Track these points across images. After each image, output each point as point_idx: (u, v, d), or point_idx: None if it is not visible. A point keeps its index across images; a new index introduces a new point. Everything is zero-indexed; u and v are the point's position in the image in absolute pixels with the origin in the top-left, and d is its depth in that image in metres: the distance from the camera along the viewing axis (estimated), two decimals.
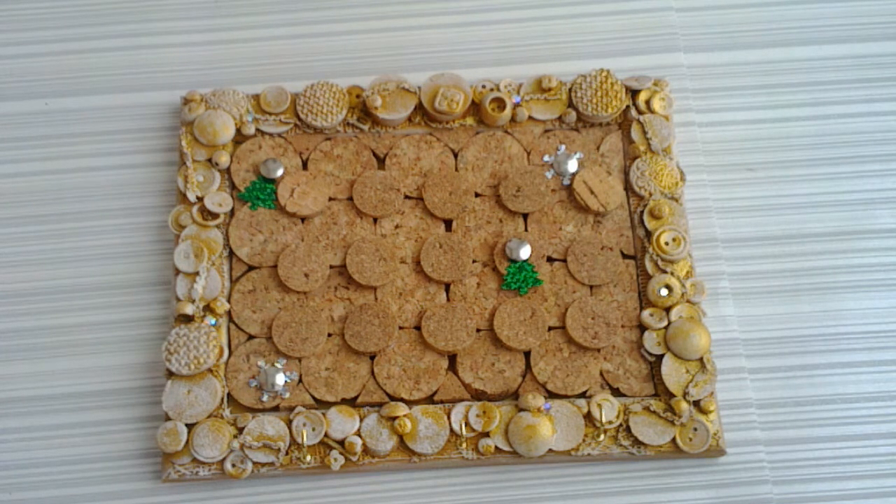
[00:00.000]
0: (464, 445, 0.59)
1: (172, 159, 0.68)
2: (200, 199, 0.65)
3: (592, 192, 0.65)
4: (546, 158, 0.66)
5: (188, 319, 0.62)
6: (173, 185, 0.67)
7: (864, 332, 0.64)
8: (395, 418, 0.59)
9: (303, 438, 0.59)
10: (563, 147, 0.67)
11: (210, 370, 0.61)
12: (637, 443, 0.59)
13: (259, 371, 0.61)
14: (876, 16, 0.73)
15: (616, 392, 0.61)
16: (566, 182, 0.66)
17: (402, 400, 0.61)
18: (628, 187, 0.66)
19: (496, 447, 0.59)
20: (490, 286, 0.63)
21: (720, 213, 0.67)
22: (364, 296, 0.63)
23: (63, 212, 0.67)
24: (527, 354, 0.62)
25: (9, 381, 0.63)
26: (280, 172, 0.65)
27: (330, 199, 0.66)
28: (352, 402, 0.61)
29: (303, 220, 0.65)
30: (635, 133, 0.66)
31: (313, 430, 0.59)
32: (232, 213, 0.66)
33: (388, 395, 0.61)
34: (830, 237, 0.66)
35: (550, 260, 0.64)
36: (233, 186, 0.66)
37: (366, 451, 0.59)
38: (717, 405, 0.60)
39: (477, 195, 0.66)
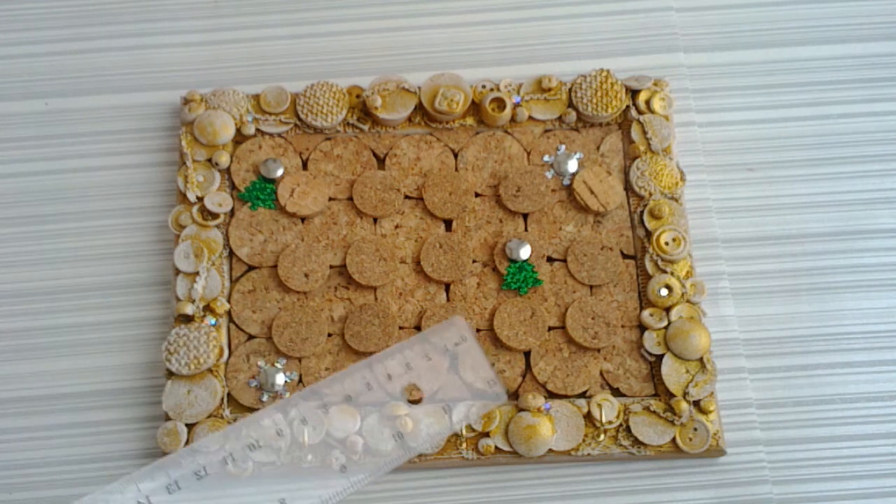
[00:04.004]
0: (464, 445, 0.59)
1: (172, 159, 0.68)
2: (200, 199, 0.65)
3: (592, 192, 0.65)
4: (546, 158, 0.66)
5: (188, 319, 0.62)
6: (173, 185, 0.67)
7: (864, 332, 0.64)
8: (395, 418, 0.59)
9: (304, 438, 0.59)
10: (563, 147, 0.67)
11: (210, 370, 0.61)
12: (637, 443, 0.59)
13: (259, 371, 0.61)
14: (876, 16, 0.73)
15: (616, 392, 0.61)
16: (566, 182, 0.66)
17: None
18: (628, 187, 0.66)
19: (496, 447, 0.59)
20: (490, 286, 0.63)
21: (720, 213, 0.67)
22: (364, 296, 0.63)
23: (63, 212, 0.67)
24: (527, 354, 0.62)
25: (9, 381, 0.63)
26: (280, 172, 0.65)
27: (330, 199, 0.66)
28: None
29: (303, 220, 0.65)
30: (635, 133, 0.66)
31: (314, 429, 0.59)
32: (232, 213, 0.66)
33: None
34: (830, 237, 0.66)
35: (550, 260, 0.64)
36: (233, 186, 0.66)
37: (366, 450, 0.59)
38: (717, 405, 0.60)
39: (477, 195, 0.66)
